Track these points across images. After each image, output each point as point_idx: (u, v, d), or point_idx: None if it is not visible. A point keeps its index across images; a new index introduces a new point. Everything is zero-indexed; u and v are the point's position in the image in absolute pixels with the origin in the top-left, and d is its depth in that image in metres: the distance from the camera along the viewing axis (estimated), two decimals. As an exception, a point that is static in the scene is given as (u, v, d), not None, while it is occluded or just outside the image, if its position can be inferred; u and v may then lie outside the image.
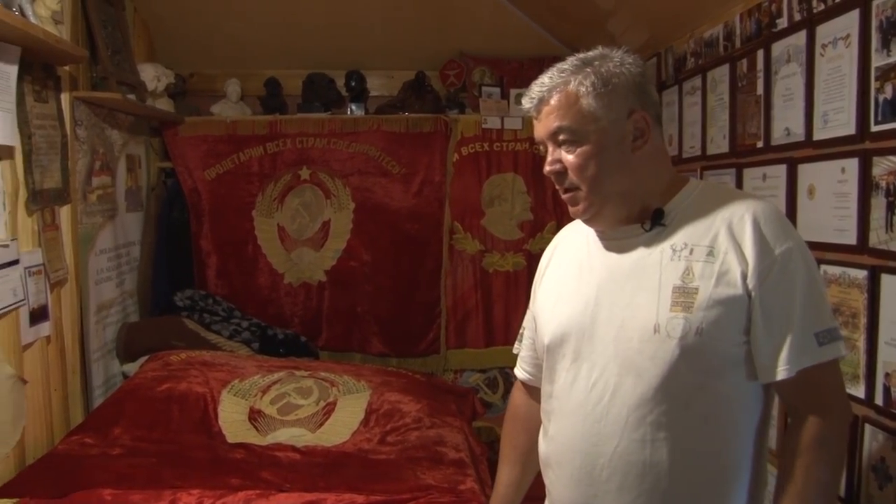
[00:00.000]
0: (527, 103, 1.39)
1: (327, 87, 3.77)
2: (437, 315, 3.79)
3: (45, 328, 2.46)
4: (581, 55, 1.36)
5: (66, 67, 2.67)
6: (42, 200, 2.44)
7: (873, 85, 1.69)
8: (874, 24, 1.68)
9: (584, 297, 1.40)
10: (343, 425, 2.56)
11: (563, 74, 1.34)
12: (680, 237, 1.33)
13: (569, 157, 1.34)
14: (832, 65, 1.84)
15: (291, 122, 3.70)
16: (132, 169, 3.38)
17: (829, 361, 1.27)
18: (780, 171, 2.09)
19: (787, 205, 2.03)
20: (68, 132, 2.66)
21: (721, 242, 1.29)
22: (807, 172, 1.97)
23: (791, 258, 1.26)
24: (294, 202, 3.74)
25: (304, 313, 3.74)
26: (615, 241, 1.40)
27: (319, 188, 3.75)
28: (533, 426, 1.58)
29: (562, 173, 1.37)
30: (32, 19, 2.19)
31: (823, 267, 1.85)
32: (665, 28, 2.93)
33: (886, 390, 1.65)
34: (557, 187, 1.40)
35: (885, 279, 1.66)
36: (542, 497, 1.52)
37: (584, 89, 1.31)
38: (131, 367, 3.03)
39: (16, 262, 2.26)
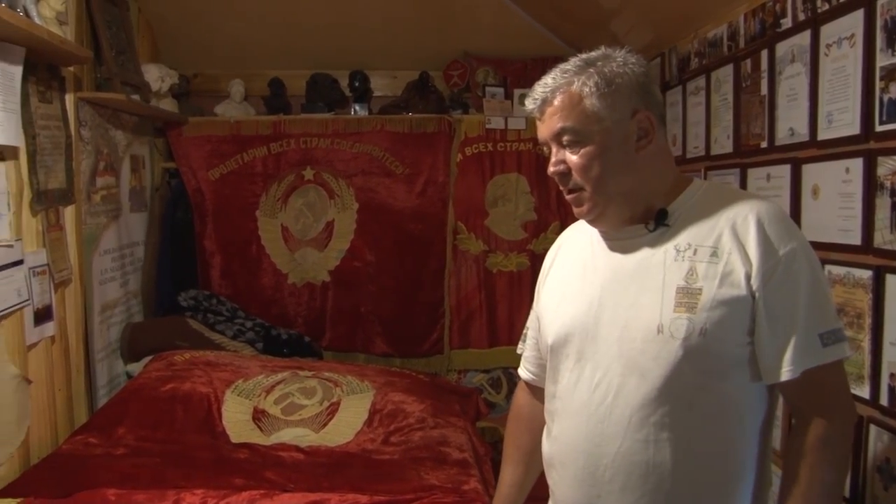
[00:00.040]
0: (530, 104, 1.39)
1: (331, 87, 3.77)
2: (440, 315, 3.79)
3: (50, 328, 2.47)
4: (584, 55, 1.36)
5: (71, 68, 2.67)
6: (46, 201, 2.45)
7: (878, 85, 1.68)
8: (879, 23, 1.68)
9: (588, 298, 1.40)
10: (347, 425, 2.56)
11: (566, 75, 1.34)
12: (684, 238, 1.33)
13: (573, 158, 1.34)
14: (837, 65, 1.84)
15: (295, 123, 3.70)
16: (136, 169, 3.38)
17: (834, 362, 1.27)
18: (785, 171, 2.08)
19: (791, 205, 2.03)
20: (72, 133, 2.66)
21: (725, 243, 1.29)
22: (811, 172, 1.96)
23: (795, 259, 1.26)
24: (298, 202, 3.74)
25: (308, 313, 3.74)
26: (619, 242, 1.40)
27: (323, 188, 3.75)
28: (536, 426, 1.58)
29: (566, 174, 1.36)
30: (37, 20, 2.19)
31: (828, 267, 1.84)
32: (669, 28, 2.92)
33: (891, 391, 1.65)
34: (561, 188, 1.40)
35: (890, 279, 1.65)
36: (546, 497, 1.52)
37: (587, 90, 1.31)
38: (135, 368, 3.04)
39: (20, 262, 2.26)
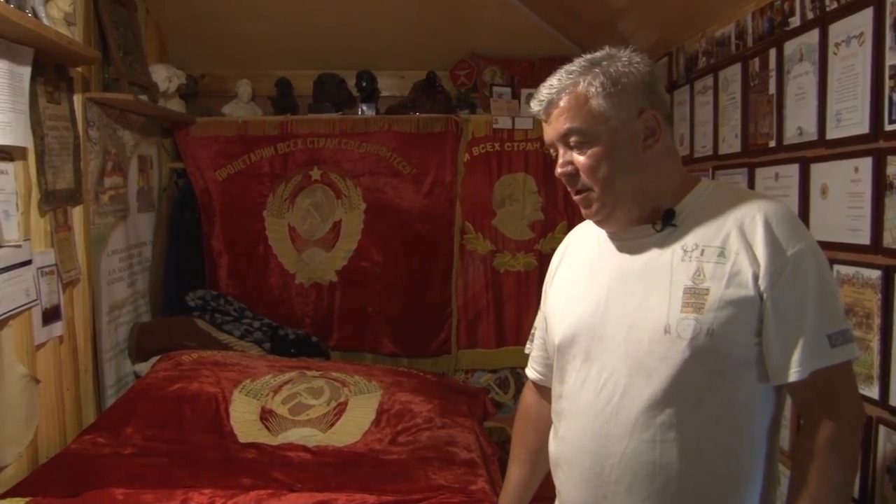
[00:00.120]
0: (535, 106, 1.38)
1: (338, 87, 3.77)
2: (448, 315, 3.79)
3: (58, 328, 2.48)
4: (588, 56, 1.36)
5: (79, 69, 2.69)
6: (55, 201, 2.46)
7: (887, 83, 1.67)
8: (888, 22, 1.67)
9: (595, 298, 1.39)
10: (354, 425, 2.57)
11: (571, 76, 1.34)
12: (691, 238, 1.32)
13: (580, 159, 1.34)
14: (845, 63, 1.83)
15: (302, 123, 3.70)
16: (144, 169, 3.40)
17: (842, 363, 1.26)
18: (793, 170, 2.07)
19: (799, 205, 2.02)
20: (80, 133, 2.67)
21: (732, 243, 1.28)
22: (820, 172, 1.95)
23: (803, 259, 1.25)
24: (305, 202, 3.75)
25: (316, 313, 3.74)
26: (626, 242, 1.40)
27: (330, 188, 3.75)
28: (543, 426, 1.58)
29: (573, 175, 1.36)
30: (45, 21, 2.20)
31: (837, 267, 1.83)
32: (676, 27, 2.91)
33: (900, 392, 1.64)
34: (569, 189, 1.40)
35: (900, 279, 1.64)
36: (553, 497, 1.52)
37: (593, 90, 1.31)
38: (143, 367, 3.05)
39: (29, 262, 2.27)
